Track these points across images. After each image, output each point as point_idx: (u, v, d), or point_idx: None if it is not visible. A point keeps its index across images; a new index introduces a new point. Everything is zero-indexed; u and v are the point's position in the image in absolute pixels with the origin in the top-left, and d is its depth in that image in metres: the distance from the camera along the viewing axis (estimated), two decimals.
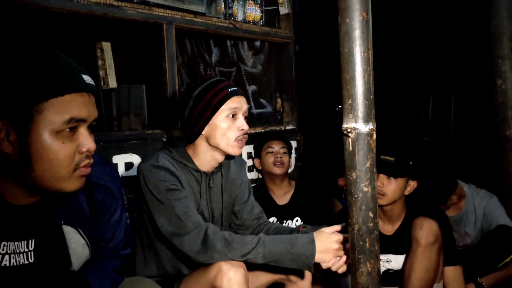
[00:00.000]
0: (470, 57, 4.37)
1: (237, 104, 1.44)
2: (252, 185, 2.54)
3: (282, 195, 2.40)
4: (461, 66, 4.87)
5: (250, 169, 2.63)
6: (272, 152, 2.34)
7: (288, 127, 2.93)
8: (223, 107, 1.42)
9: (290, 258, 1.31)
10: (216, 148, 1.46)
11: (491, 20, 2.14)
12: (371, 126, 1.10)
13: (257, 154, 2.43)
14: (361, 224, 1.12)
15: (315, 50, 3.01)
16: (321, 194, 2.47)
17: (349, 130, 1.11)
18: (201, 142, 1.47)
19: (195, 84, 1.46)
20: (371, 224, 1.12)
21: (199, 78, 1.48)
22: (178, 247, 1.33)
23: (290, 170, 2.57)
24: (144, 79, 2.75)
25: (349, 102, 1.11)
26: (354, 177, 1.12)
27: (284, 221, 2.36)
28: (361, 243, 1.12)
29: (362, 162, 1.11)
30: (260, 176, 2.56)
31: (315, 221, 2.29)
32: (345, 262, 1.34)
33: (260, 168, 2.43)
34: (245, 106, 1.47)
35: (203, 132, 1.44)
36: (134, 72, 2.77)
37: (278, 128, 2.86)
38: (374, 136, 1.11)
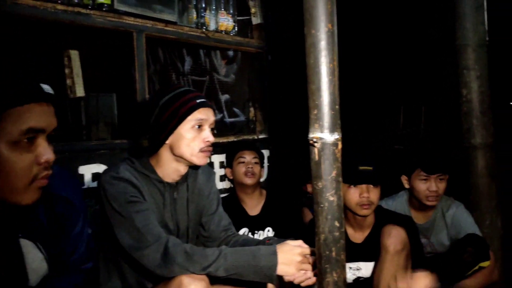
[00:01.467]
0: (439, 67, 4.50)
1: (204, 115, 1.43)
2: (223, 195, 2.53)
3: (254, 206, 2.39)
4: (430, 76, 5.01)
5: (222, 178, 2.61)
6: (243, 162, 2.33)
7: (261, 136, 2.93)
8: (189, 117, 1.40)
9: (252, 270, 1.29)
10: (180, 158, 1.44)
11: (457, 31, 2.21)
12: (336, 136, 1.11)
13: (229, 163, 2.41)
14: (327, 233, 1.12)
15: (287, 59, 3.03)
16: (292, 203, 2.47)
17: (315, 140, 1.11)
18: (164, 152, 1.45)
19: (163, 92, 1.45)
20: (337, 233, 1.12)
21: (168, 87, 1.47)
22: (138, 260, 1.31)
23: (262, 180, 2.57)
24: (115, 88, 2.71)
25: (315, 112, 1.12)
26: (320, 187, 1.12)
27: (256, 232, 2.35)
28: (327, 252, 1.13)
29: (328, 171, 1.11)
30: (232, 186, 2.55)
31: (286, 231, 2.29)
32: (311, 276, 1.33)
33: (231, 178, 2.41)
34: (212, 118, 1.46)
35: (167, 141, 1.42)
36: (105, 81, 2.73)
37: (251, 137, 2.87)
38: (340, 146, 1.12)
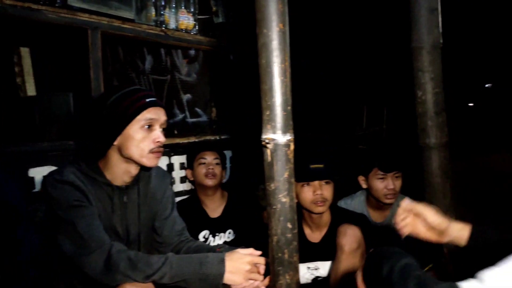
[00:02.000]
0: (398, 69, 4.62)
1: (154, 115, 1.38)
2: (184, 197, 2.49)
3: (215, 208, 2.35)
4: (391, 78, 5.15)
5: (183, 180, 2.57)
6: (204, 163, 2.29)
7: (223, 137, 2.90)
8: (138, 117, 1.36)
9: (198, 278, 1.27)
10: (129, 159, 1.39)
11: (412, 34, 2.25)
12: (289, 137, 1.11)
13: (190, 165, 2.37)
14: (279, 235, 1.11)
15: (249, 59, 3.03)
16: (253, 205, 2.46)
17: (267, 141, 1.10)
18: (113, 154, 1.40)
19: (111, 91, 1.39)
20: (289, 235, 1.12)
21: (116, 86, 1.41)
22: (80, 267, 1.25)
23: (224, 181, 2.55)
24: (72, 87, 2.62)
25: (268, 113, 1.10)
26: (273, 188, 1.11)
27: (217, 234, 2.32)
28: (280, 254, 1.12)
29: (280, 172, 1.10)
30: (193, 188, 2.51)
31: (247, 233, 2.27)
32: (260, 285, 1.31)
33: (192, 179, 2.37)
34: (163, 118, 1.42)
35: (115, 143, 1.37)
36: (62, 80, 2.63)
37: (213, 138, 2.83)
38: (292, 147, 1.12)
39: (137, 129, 1.36)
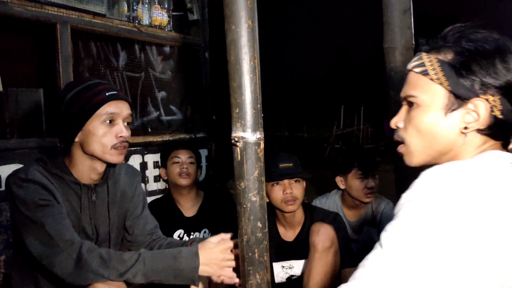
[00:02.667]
0: (374, 69, 4.69)
1: (116, 109, 1.32)
2: (158, 196, 2.44)
3: (190, 207, 2.32)
4: (368, 78, 5.21)
5: (157, 179, 2.53)
6: (178, 162, 2.25)
7: (198, 135, 2.87)
8: (98, 111, 1.30)
9: (173, 274, 1.24)
10: (92, 156, 1.35)
11: (385, 35, 2.27)
12: (258, 135, 1.09)
13: (163, 163, 2.33)
14: (249, 234, 1.10)
15: (224, 57, 3.00)
16: (230, 203, 2.44)
17: (237, 139, 1.09)
18: (76, 151, 1.35)
19: (71, 86, 1.34)
20: (259, 235, 1.10)
21: (75, 81, 1.37)
22: (48, 268, 1.21)
23: (200, 179, 2.51)
24: (43, 83, 2.54)
25: (237, 110, 1.09)
26: (243, 187, 1.10)
27: (192, 233, 2.29)
28: (250, 254, 1.10)
29: (250, 171, 1.09)
30: (167, 187, 2.47)
31: (222, 232, 2.24)
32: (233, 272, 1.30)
33: (166, 178, 2.34)
34: (126, 112, 1.35)
35: (76, 139, 1.32)
36: (32, 75, 2.55)
37: (188, 136, 2.80)
38: (262, 145, 1.10)
39: (98, 124, 1.31)
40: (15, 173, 1.29)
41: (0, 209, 1.74)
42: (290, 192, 1.82)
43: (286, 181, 1.84)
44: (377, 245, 0.81)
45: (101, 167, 1.39)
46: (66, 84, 1.48)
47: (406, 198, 0.79)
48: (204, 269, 1.27)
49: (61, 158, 1.37)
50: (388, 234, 0.78)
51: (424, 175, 0.80)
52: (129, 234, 1.54)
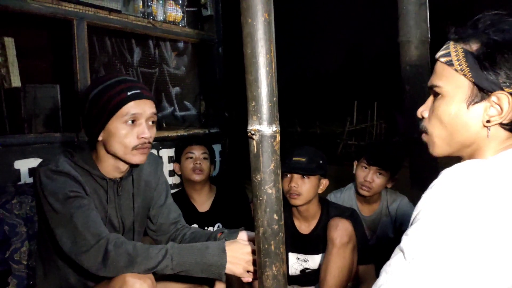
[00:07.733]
0: (386, 64, 4.65)
1: (138, 109, 1.29)
2: (173, 191, 2.47)
3: (203, 202, 2.33)
4: (380, 73, 5.17)
5: (171, 173, 2.55)
6: (191, 158, 2.26)
7: (212, 130, 2.89)
8: (119, 112, 1.27)
9: (200, 268, 1.25)
10: (115, 156, 1.34)
11: (400, 29, 2.26)
12: (274, 128, 1.09)
13: (177, 158, 2.35)
14: (266, 226, 1.10)
15: (239, 52, 3.01)
16: (243, 198, 2.45)
17: (253, 132, 1.09)
18: (100, 149, 1.35)
19: (93, 85, 1.33)
20: (276, 227, 1.11)
21: (99, 78, 1.36)
22: (77, 262, 1.22)
23: (214, 175, 2.53)
24: (60, 78, 2.58)
25: (253, 104, 1.09)
26: (259, 179, 1.10)
27: (206, 228, 2.31)
28: (266, 246, 1.11)
29: (266, 164, 1.09)
30: (181, 182, 2.49)
31: (236, 226, 2.26)
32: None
33: (179, 173, 2.36)
34: (149, 111, 1.32)
35: (99, 138, 1.32)
36: (48, 71, 2.59)
37: (202, 131, 2.82)
38: (278, 138, 1.11)
39: (119, 124, 1.28)
40: (44, 164, 1.28)
41: (20, 202, 1.77)
42: (294, 185, 1.80)
43: (294, 175, 1.82)
44: (398, 251, 0.78)
45: (123, 166, 1.38)
46: (92, 80, 1.48)
47: (428, 200, 0.77)
48: (230, 268, 1.26)
49: (89, 153, 1.37)
50: (411, 241, 0.76)
51: (445, 175, 0.78)
52: (153, 224, 1.55)
